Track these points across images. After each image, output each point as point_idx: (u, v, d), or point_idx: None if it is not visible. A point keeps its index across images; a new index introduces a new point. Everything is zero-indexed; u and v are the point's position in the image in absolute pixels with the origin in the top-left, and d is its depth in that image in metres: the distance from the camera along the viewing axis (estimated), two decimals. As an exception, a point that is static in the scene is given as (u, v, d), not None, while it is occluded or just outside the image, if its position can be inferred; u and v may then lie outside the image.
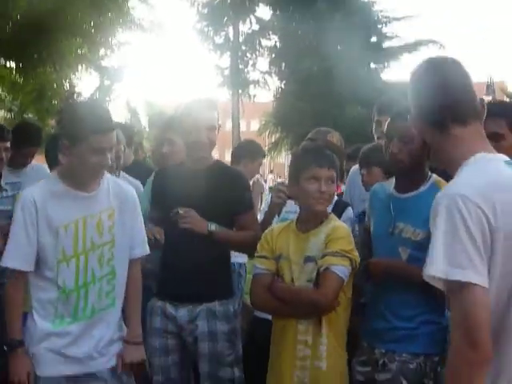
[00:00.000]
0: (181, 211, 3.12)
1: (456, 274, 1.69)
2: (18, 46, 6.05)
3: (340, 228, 2.87)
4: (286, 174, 3.21)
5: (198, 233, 3.14)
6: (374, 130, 4.06)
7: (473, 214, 1.70)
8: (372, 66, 22.35)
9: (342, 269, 2.75)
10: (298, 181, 2.93)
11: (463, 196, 1.72)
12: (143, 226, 3.04)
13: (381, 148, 3.10)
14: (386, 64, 22.40)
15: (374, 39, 22.61)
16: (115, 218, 2.85)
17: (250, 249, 3.30)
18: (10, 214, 3.29)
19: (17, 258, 2.73)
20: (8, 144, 4.21)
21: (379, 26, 22.57)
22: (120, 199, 2.89)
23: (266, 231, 3.07)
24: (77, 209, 2.77)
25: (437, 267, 1.72)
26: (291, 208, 3.34)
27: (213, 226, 3.16)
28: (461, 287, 1.69)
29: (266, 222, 3.44)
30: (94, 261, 2.80)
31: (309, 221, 2.93)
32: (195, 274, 3.16)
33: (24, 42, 6.05)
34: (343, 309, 2.85)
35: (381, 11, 22.60)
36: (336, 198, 3.36)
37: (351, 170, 4.11)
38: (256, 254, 3.02)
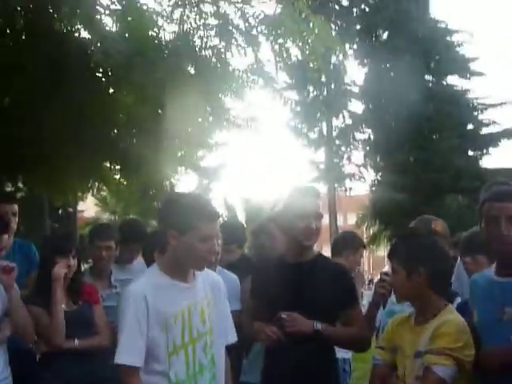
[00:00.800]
0: (283, 315, 3.05)
1: None
2: (121, 148, 6.31)
3: (449, 322, 2.67)
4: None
5: (304, 334, 3.03)
6: None
7: None
8: (470, 153, 22.00)
9: (442, 369, 2.54)
10: None
11: None
12: (230, 313, 3.01)
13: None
14: (484, 151, 21.99)
15: (470, 127, 22.36)
16: (211, 306, 2.84)
17: (357, 345, 3.25)
18: None
19: (133, 353, 2.64)
20: (112, 243, 4.31)
21: (475, 114, 22.35)
22: (213, 288, 2.90)
23: (389, 320, 2.97)
24: (182, 299, 2.75)
25: None
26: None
27: (319, 325, 3.05)
28: None
29: (371, 314, 3.32)
30: (200, 350, 2.76)
31: (423, 312, 2.78)
32: (300, 374, 3.03)
33: (127, 144, 6.31)
34: None
35: (476, 98, 22.44)
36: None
37: (458, 259, 3.93)
38: (376, 345, 2.96)
